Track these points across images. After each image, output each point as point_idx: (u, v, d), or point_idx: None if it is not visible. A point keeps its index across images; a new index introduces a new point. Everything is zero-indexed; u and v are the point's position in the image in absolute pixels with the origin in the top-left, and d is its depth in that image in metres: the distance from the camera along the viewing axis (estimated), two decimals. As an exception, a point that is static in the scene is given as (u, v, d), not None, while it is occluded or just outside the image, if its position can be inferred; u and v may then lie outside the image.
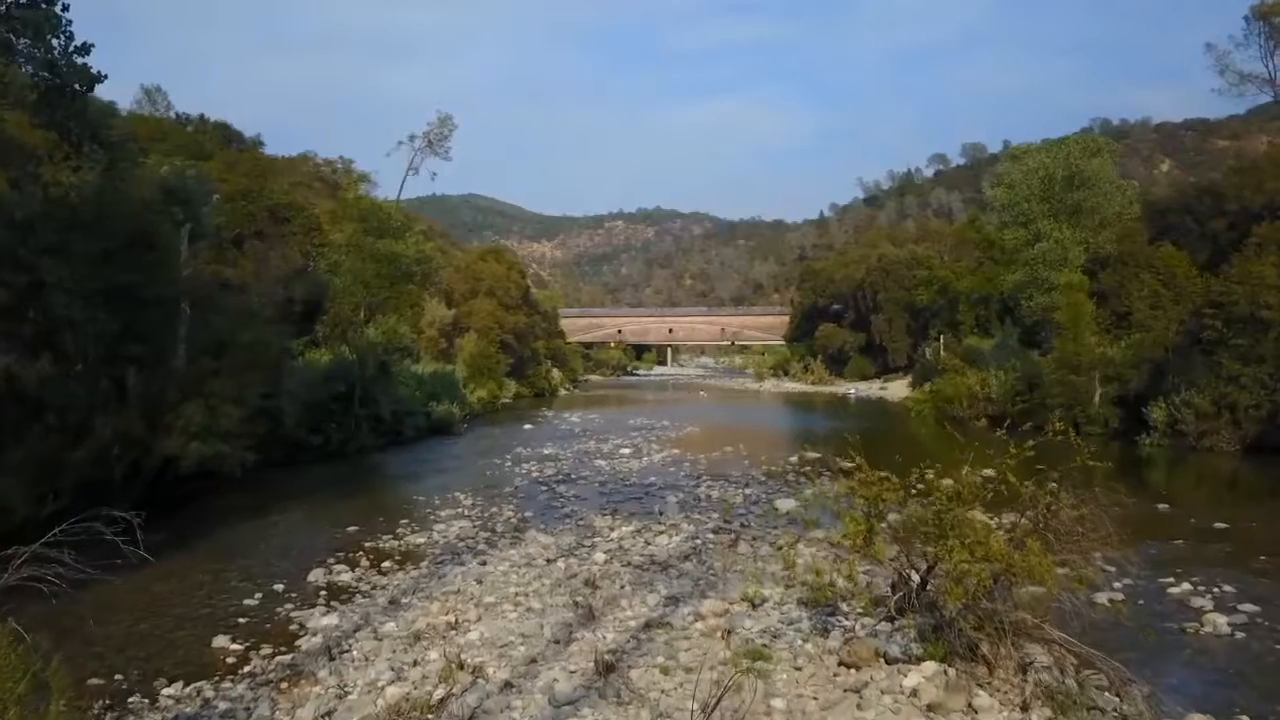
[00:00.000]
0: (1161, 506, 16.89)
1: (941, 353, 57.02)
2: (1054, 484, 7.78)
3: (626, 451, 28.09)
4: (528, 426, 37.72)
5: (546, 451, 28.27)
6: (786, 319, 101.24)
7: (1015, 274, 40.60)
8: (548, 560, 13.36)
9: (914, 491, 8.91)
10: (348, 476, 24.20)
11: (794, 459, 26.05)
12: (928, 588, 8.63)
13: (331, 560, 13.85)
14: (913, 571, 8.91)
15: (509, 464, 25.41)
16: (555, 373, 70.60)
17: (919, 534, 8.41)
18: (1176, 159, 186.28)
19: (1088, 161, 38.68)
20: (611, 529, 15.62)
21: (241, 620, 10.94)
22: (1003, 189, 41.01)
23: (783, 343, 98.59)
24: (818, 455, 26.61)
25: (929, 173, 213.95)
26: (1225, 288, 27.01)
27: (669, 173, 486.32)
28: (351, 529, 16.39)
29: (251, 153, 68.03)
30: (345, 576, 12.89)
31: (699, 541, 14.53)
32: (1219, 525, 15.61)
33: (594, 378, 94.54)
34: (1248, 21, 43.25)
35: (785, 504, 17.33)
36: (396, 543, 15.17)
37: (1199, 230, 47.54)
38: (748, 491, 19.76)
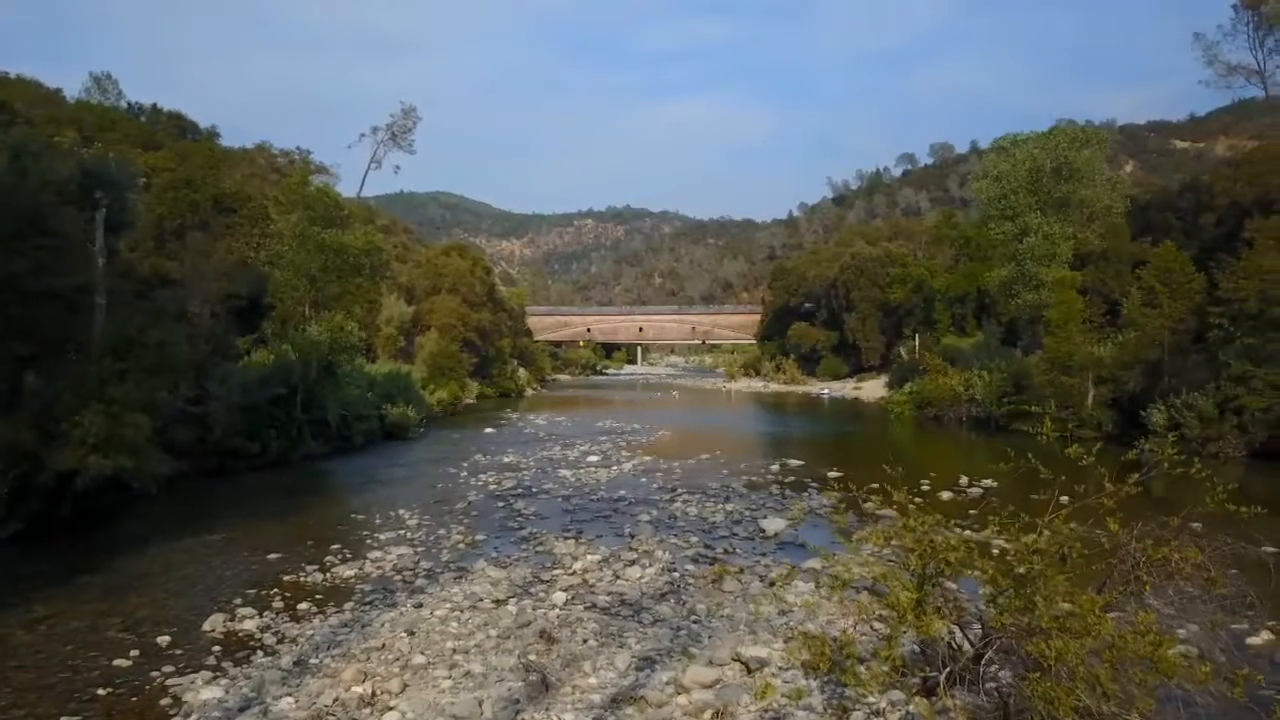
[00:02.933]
0: (1194, 525, 15.01)
1: (917, 352, 55.50)
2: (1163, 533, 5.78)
3: (594, 459, 25.92)
4: (489, 430, 35.42)
5: (507, 459, 26.02)
6: (757, 318, 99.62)
7: (1001, 270, 38.89)
8: (496, 602, 11.16)
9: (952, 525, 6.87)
10: (285, 489, 21.79)
11: (775, 467, 24.07)
12: (984, 659, 6.59)
13: (238, 601, 11.55)
14: (959, 632, 6.87)
15: (464, 474, 23.13)
16: (522, 372, 68.20)
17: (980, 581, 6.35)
18: (1140, 160, 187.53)
19: (1077, 153, 37.06)
20: (574, 557, 13.45)
21: (101, 691, 8.62)
22: (988, 181, 39.24)
23: (753, 342, 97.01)
24: (800, 463, 24.69)
25: (897, 172, 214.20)
26: (1234, 283, 25.38)
27: (639, 171, 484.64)
28: (273, 556, 14.07)
29: (205, 143, 65.19)
30: (250, 624, 10.61)
31: (677, 574, 12.39)
32: (1269, 549, 13.77)
33: (563, 377, 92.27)
34: (1236, 11, 42.14)
35: (773, 524, 15.29)
36: (321, 576, 12.88)
37: (1182, 226, 46.47)
38: (728, 508, 17.65)
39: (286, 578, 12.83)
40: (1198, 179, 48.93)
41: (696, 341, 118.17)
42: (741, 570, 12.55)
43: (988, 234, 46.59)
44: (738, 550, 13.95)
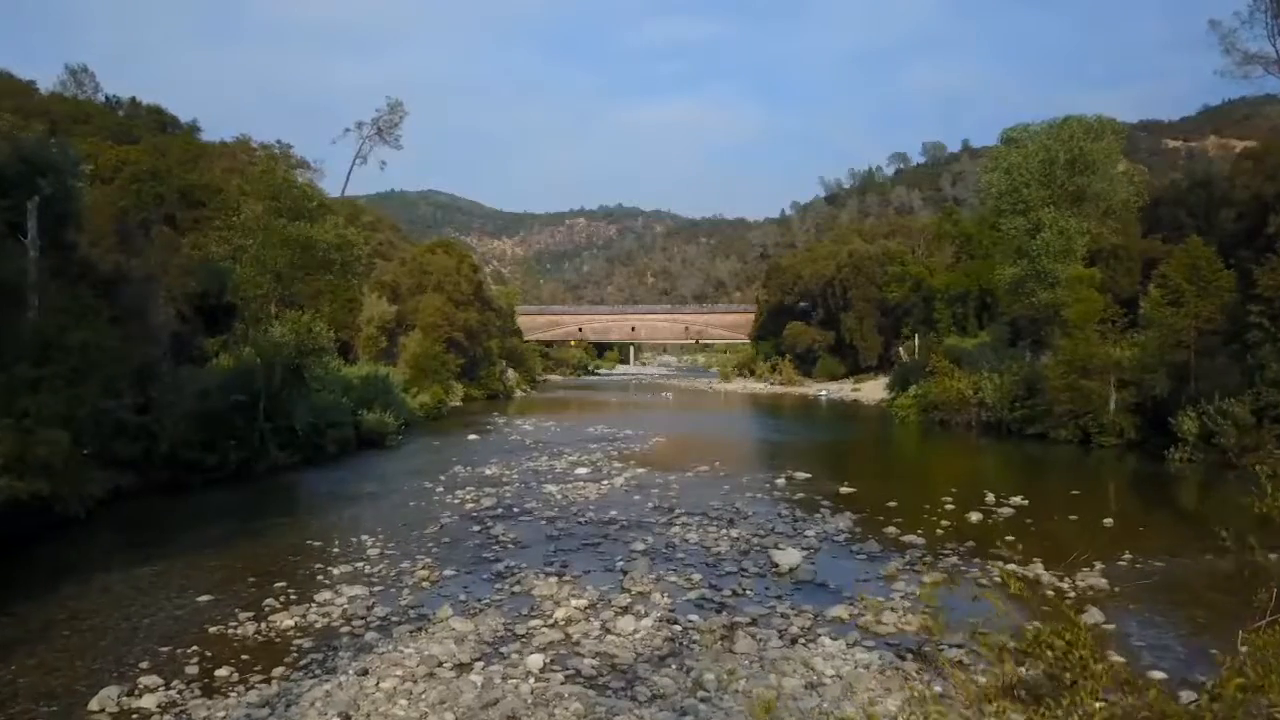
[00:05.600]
0: (1273, 557, 13.09)
1: (917, 352, 53.66)
2: None
3: (583, 472, 23.88)
4: (473, 437, 33.34)
5: (489, 471, 23.97)
6: (751, 317, 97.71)
7: (1011, 268, 36.96)
8: (458, 667, 9.12)
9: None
10: (240, 507, 19.68)
11: (781, 481, 22.10)
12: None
13: (145, 664, 9.49)
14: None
15: (440, 489, 21.07)
16: (511, 373, 66.10)
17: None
18: (1132, 158, 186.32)
19: (1092, 144, 35.15)
20: (556, 602, 11.40)
21: (-75, 814, 6.60)
22: (999, 173, 37.28)
23: (747, 341, 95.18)
24: (807, 476, 22.72)
25: (889, 171, 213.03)
26: (1274, 280, 23.50)
27: (630, 170, 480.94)
28: (204, 599, 12.01)
29: (183, 137, 62.98)
30: (149, 699, 8.54)
31: (678, 627, 10.34)
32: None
33: (554, 378, 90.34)
34: (1254, -4, 40.21)
35: (787, 557, 13.27)
36: (255, 626, 10.82)
37: (1195, 223, 44.74)
38: (734, 533, 15.62)
39: (213, 629, 10.76)
40: (1210, 174, 47.24)
41: (689, 341, 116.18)
42: (754, 621, 10.54)
43: (990, 231, 44.75)
44: (748, 592, 11.91)
